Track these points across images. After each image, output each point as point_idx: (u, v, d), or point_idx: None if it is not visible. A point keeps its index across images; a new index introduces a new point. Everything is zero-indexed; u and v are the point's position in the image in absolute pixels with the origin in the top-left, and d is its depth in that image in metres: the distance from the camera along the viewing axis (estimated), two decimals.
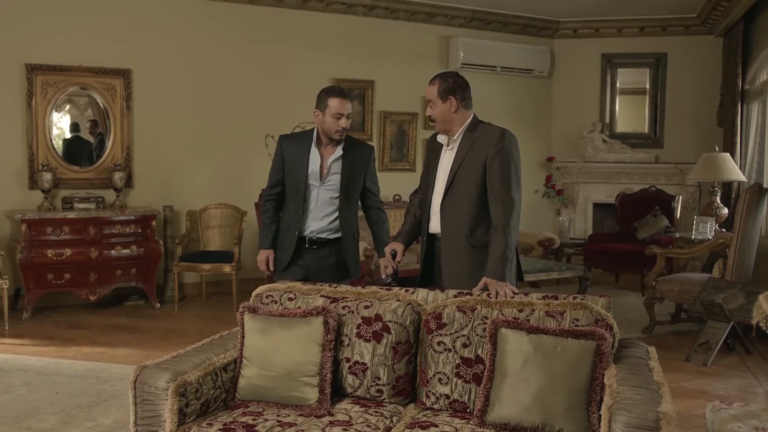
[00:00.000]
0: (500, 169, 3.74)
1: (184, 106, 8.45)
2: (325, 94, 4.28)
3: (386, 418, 3.13)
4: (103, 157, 8.17)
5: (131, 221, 7.75)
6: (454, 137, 3.96)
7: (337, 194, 4.33)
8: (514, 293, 3.42)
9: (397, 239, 4.24)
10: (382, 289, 3.53)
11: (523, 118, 10.53)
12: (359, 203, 4.54)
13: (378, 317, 3.33)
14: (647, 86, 10.72)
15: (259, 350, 3.29)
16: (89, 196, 7.86)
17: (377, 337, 3.30)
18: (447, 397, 3.21)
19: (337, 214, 4.34)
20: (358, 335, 3.33)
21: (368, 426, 3.03)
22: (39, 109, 7.82)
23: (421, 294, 3.52)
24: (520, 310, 3.24)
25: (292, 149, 4.38)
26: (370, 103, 9.64)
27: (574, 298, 3.29)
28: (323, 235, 4.35)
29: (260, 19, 8.86)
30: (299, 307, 3.44)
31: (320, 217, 4.33)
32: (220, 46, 8.65)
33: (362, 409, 3.20)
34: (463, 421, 3.07)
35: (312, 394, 3.21)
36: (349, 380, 3.34)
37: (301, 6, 9.04)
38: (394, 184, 9.59)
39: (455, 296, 3.43)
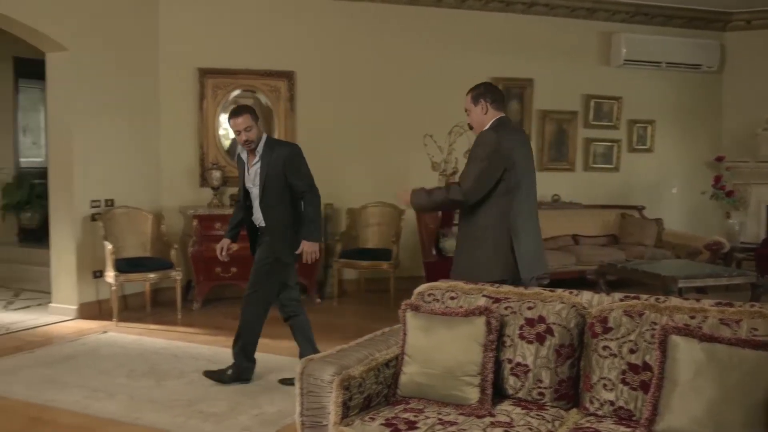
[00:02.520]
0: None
1: (344, 106, 8.67)
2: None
3: (548, 421, 3.08)
4: None
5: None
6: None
7: (259, 192, 5.16)
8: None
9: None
10: (546, 290, 3.48)
11: (689, 115, 10.09)
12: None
13: (541, 319, 3.28)
14: None
15: (421, 348, 3.32)
16: None
17: (540, 338, 3.26)
18: (611, 403, 3.12)
19: (262, 207, 5.17)
20: (521, 336, 3.30)
21: (530, 429, 2.99)
22: (209, 110, 8.25)
23: (586, 296, 3.44)
24: (692, 317, 3.09)
25: (239, 160, 5.35)
26: (529, 102, 9.51)
27: (752, 305, 3.11)
28: (259, 223, 5.27)
29: (419, 19, 8.94)
30: (461, 307, 3.44)
31: (258, 209, 5.22)
32: (380, 47, 8.80)
33: (523, 411, 3.16)
34: (628, 429, 2.96)
35: (473, 394, 3.21)
36: (511, 381, 3.31)
37: (459, 5, 9.05)
38: (552, 185, 9.45)
39: (621, 300, 3.33)
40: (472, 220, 4.30)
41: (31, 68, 9.89)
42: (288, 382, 5.06)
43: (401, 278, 8.06)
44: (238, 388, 5.18)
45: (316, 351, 5.07)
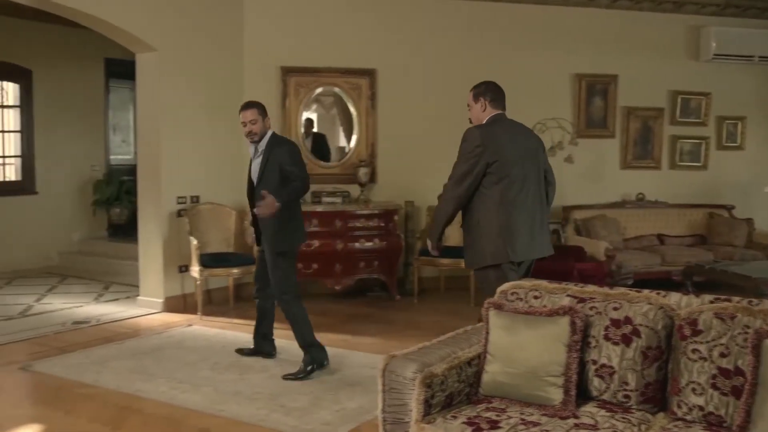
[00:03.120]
0: None
1: (425, 103, 8.66)
2: None
3: (634, 425, 3.01)
4: (348, 153, 8.58)
5: (374, 215, 8.06)
6: None
7: (256, 184, 5.45)
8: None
9: None
10: (632, 291, 3.40)
11: None
12: None
13: (627, 320, 3.21)
14: None
15: (504, 347, 3.29)
16: (336, 191, 8.27)
17: (626, 340, 3.18)
18: (701, 408, 3.03)
19: (258, 199, 5.33)
20: (606, 337, 3.23)
21: None
22: (292, 108, 8.36)
23: (674, 298, 3.35)
24: None
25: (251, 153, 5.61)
26: (613, 99, 9.33)
27: None
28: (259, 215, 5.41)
29: (500, 16, 8.87)
30: (545, 306, 3.40)
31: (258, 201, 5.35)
32: (461, 44, 8.76)
33: (608, 413, 3.10)
34: None
35: (556, 395, 3.17)
36: (595, 383, 3.25)
37: (540, 1, 8.93)
38: (637, 183, 9.27)
39: (711, 302, 3.23)
40: (468, 212, 4.61)
41: (120, 68, 10.24)
42: (245, 352, 5.65)
43: None
44: (319, 384, 5.23)
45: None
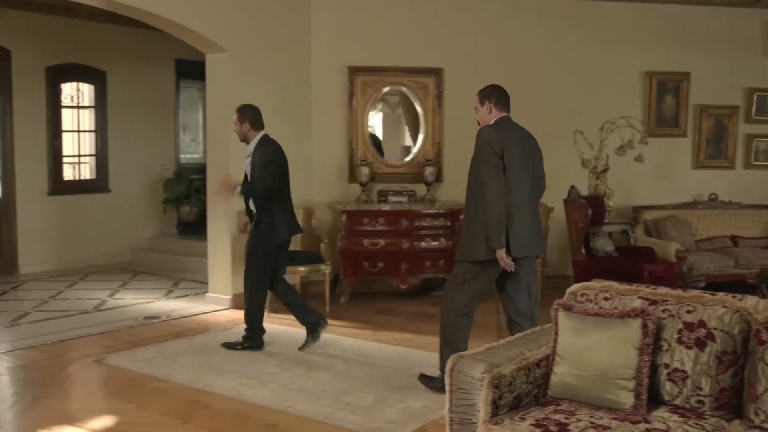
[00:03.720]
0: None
1: None
2: None
3: (707, 431, 2.94)
4: (415, 152, 8.57)
5: (440, 215, 8.04)
6: None
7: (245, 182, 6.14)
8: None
9: None
10: (706, 293, 3.32)
11: None
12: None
13: (701, 323, 3.13)
14: None
15: (573, 349, 3.25)
16: (402, 190, 8.28)
17: (700, 344, 3.11)
18: None
19: None
20: (679, 341, 3.16)
21: None
22: (358, 108, 8.40)
23: (750, 301, 3.25)
24: None
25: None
26: (685, 97, 9.12)
27: None
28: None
29: (569, 12, 8.75)
30: (615, 308, 3.33)
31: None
32: (526, 41, 8.68)
33: (681, 419, 3.03)
34: None
35: (627, 398, 3.11)
36: (667, 387, 3.18)
37: None
38: (709, 183, 9.07)
39: None
40: (470, 206, 4.82)
41: (190, 69, 10.46)
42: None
43: (548, 277, 7.91)
44: (384, 383, 5.24)
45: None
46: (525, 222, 4.66)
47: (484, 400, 3.06)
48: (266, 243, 6.02)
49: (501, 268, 4.64)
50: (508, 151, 4.63)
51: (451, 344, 4.75)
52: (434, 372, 5.06)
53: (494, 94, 4.91)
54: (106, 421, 4.57)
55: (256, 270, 6.08)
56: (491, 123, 4.83)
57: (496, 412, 3.09)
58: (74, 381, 5.45)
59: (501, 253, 4.55)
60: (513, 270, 4.64)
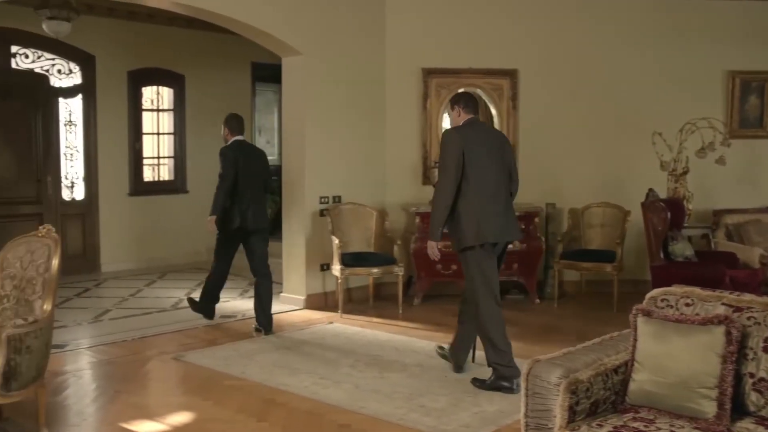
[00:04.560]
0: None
1: (566, 104, 8.48)
2: None
3: None
4: None
5: (516, 217, 7.93)
6: None
7: None
8: None
9: None
10: None
11: None
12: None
13: None
14: None
15: (653, 355, 3.17)
16: None
17: None
18: None
19: None
20: (765, 350, 3.05)
21: None
22: (432, 110, 8.40)
23: None
24: None
25: None
26: None
27: None
28: None
29: (648, 10, 8.56)
30: (698, 314, 3.24)
31: None
32: (605, 41, 8.53)
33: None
34: None
35: (709, 408, 3.02)
36: (752, 398, 3.07)
37: None
38: None
39: None
40: (454, 203, 5.16)
41: (265, 72, 10.61)
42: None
43: (624, 281, 7.76)
44: (458, 386, 5.21)
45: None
46: (494, 210, 5.14)
47: (561, 406, 3.01)
48: (225, 232, 6.95)
49: (496, 248, 5.24)
50: (469, 149, 5.07)
51: (489, 338, 5.17)
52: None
53: (462, 99, 5.39)
54: (184, 417, 4.67)
55: (219, 256, 7.16)
56: (460, 125, 5.29)
57: (572, 418, 3.04)
58: (153, 377, 5.60)
59: (432, 244, 5.23)
60: (438, 258, 5.40)
